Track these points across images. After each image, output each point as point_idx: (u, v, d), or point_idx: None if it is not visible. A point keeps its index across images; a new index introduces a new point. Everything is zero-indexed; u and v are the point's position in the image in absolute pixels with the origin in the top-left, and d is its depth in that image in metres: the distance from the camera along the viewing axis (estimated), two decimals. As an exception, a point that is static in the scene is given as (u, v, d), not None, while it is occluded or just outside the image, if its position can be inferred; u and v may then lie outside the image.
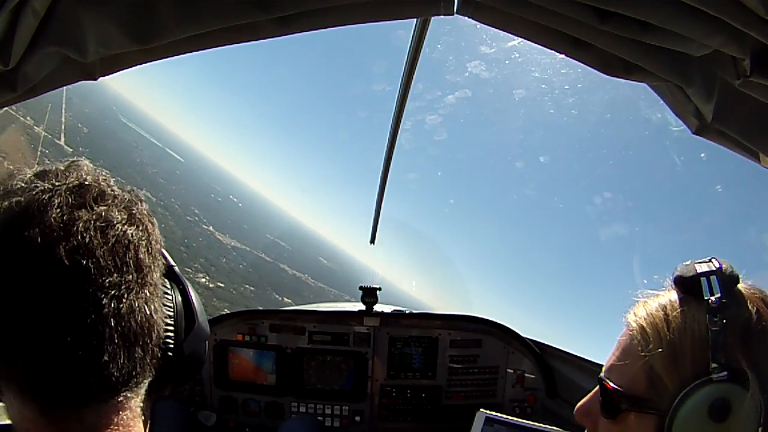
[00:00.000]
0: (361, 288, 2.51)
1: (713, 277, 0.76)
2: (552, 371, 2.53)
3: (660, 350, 0.76)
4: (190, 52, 0.99)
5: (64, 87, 0.98)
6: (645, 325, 0.79)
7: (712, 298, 0.74)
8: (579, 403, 0.90)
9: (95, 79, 1.00)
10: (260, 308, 2.56)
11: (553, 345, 2.55)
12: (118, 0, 0.85)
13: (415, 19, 1.71)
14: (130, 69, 1.02)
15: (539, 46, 0.99)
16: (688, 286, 0.78)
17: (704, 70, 0.95)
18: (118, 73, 1.01)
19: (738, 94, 0.94)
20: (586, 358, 2.30)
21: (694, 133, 1.08)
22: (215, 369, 2.47)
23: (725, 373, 0.70)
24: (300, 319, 2.52)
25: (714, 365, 0.71)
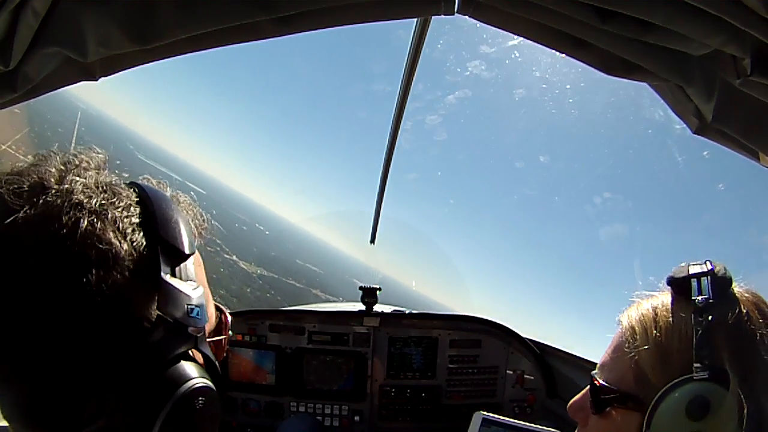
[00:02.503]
0: (360, 288, 2.51)
1: (704, 279, 0.77)
2: (552, 371, 2.53)
3: (647, 348, 0.77)
4: (190, 52, 0.99)
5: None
6: (635, 324, 0.81)
7: (699, 298, 0.75)
8: (572, 399, 0.92)
9: (96, 80, 1.00)
10: (260, 308, 2.56)
11: (553, 345, 2.56)
12: (118, 0, 0.85)
13: (415, 19, 1.71)
14: (130, 69, 1.02)
15: (540, 46, 0.99)
16: (679, 286, 0.80)
17: (704, 70, 0.95)
18: (118, 73, 1.01)
19: (738, 93, 0.94)
20: (586, 358, 2.30)
21: (694, 133, 1.09)
22: None
23: (706, 372, 0.71)
24: (300, 319, 2.52)
25: (697, 364, 0.72)
